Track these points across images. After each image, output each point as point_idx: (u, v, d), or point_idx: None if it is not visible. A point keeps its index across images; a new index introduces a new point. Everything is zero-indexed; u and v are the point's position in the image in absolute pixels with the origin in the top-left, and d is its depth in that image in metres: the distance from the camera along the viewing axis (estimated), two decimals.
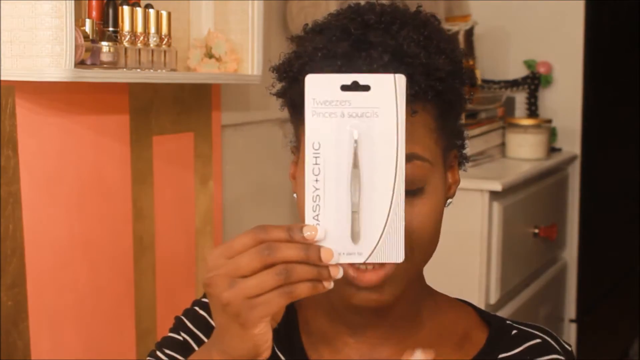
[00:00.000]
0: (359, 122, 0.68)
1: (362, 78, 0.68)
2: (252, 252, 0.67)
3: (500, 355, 0.86)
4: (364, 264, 0.76)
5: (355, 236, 0.69)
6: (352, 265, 0.78)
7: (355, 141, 0.68)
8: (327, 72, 0.75)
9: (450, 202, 0.87)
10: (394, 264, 0.76)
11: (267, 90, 0.86)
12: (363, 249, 0.69)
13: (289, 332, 0.90)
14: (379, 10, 0.80)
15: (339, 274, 0.69)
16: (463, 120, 0.91)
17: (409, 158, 0.76)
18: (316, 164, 0.69)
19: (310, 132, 0.69)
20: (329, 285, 0.69)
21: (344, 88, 0.68)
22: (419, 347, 0.85)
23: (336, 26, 0.80)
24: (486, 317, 0.91)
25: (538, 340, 0.87)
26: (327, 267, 0.68)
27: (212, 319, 0.91)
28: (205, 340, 0.91)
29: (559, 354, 0.87)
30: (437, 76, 0.77)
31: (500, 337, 0.88)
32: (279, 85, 0.84)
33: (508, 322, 0.90)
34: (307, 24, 0.84)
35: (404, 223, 0.69)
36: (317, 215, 0.69)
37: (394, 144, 0.68)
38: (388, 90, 0.68)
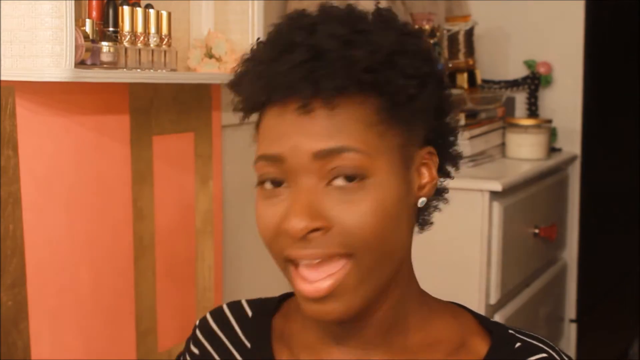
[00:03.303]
0: None
1: None
2: None
3: None
4: (315, 269, 0.77)
5: None
6: (300, 276, 0.77)
7: None
8: (249, 80, 0.79)
9: (424, 202, 0.83)
10: (342, 272, 0.76)
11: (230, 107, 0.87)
12: None
13: (261, 348, 0.90)
14: (319, 12, 0.81)
15: None
16: (454, 118, 0.87)
17: (339, 150, 0.75)
18: None
19: None
20: None
21: None
22: (406, 354, 0.83)
23: (271, 34, 0.82)
24: (486, 324, 0.87)
25: (543, 355, 0.83)
26: None
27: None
28: None
29: None
30: (359, 68, 0.75)
31: (502, 349, 0.84)
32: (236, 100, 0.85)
33: (510, 331, 0.86)
34: (258, 37, 0.86)
35: None
36: None
37: None
38: None
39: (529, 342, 0.85)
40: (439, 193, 0.87)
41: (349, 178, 0.76)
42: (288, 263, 0.79)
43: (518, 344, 0.84)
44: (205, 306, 1.74)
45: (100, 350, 1.49)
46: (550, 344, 0.86)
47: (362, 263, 0.76)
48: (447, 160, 0.87)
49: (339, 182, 0.76)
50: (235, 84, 0.83)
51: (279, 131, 0.78)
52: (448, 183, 0.89)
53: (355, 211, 0.75)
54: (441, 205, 0.88)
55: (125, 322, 1.55)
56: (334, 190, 0.76)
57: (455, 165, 0.89)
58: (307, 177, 0.76)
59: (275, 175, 0.78)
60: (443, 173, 0.88)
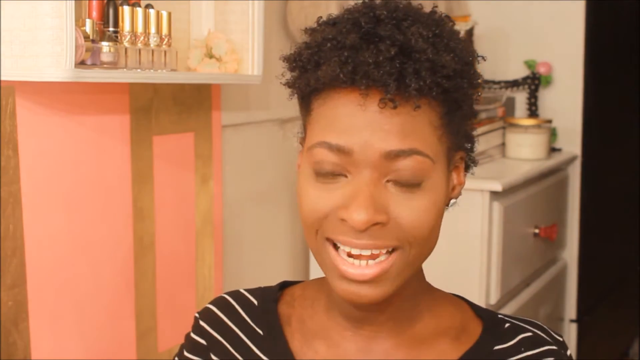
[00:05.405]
0: None
1: None
2: None
3: (496, 347, 0.87)
4: (359, 258, 0.78)
5: None
6: (342, 258, 0.79)
7: None
8: (334, 62, 0.77)
9: (454, 203, 0.87)
10: (389, 262, 0.79)
11: (277, 79, 0.87)
12: None
13: (274, 335, 0.91)
14: (392, 6, 0.81)
15: None
16: (474, 124, 0.91)
17: (409, 153, 0.77)
18: None
19: None
20: None
21: None
22: (415, 339, 0.87)
23: (347, 19, 0.81)
24: (479, 311, 0.93)
25: (530, 334, 0.89)
26: None
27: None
28: None
29: (550, 344, 0.88)
30: (443, 73, 0.77)
31: (494, 329, 0.89)
32: (289, 75, 0.85)
33: (500, 315, 0.92)
34: (320, 17, 0.85)
35: None
36: None
37: None
38: None
39: (517, 323, 0.91)
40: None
41: (410, 180, 0.78)
42: (328, 242, 0.81)
43: (507, 325, 0.90)
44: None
45: (100, 350, 1.49)
46: (538, 323, 0.91)
47: (408, 255, 0.80)
48: (467, 165, 0.90)
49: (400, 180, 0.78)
50: (305, 61, 0.81)
51: (349, 123, 0.78)
52: (470, 182, 0.93)
53: (412, 209, 0.78)
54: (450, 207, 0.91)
55: (125, 322, 1.55)
56: (393, 187, 0.78)
57: (470, 170, 0.92)
58: (371, 171, 0.78)
59: (334, 166, 0.79)
60: None
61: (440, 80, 0.77)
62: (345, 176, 0.79)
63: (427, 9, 0.85)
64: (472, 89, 0.82)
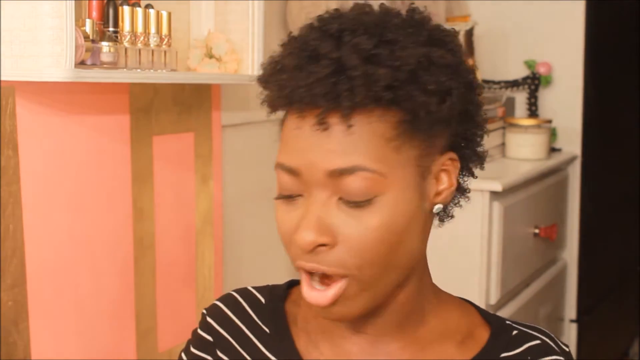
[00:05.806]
0: None
1: None
2: None
3: (502, 355, 0.87)
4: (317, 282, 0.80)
5: None
6: (308, 283, 0.80)
7: None
8: (274, 86, 0.80)
9: (440, 208, 0.84)
10: (342, 286, 0.79)
11: (257, 98, 0.88)
12: None
13: (281, 333, 0.91)
14: (349, 17, 0.80)
15: None
16: (482, 117, 0.86)
17: (352, 170, 0.76)
18: None
19: None
20: None
21: None
22: (420, 343, 0.87)
23: (299, 37, 0.82)
24: (487, 316, 0.92)
25: (537, 342, 0.88)
26: None
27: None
28: None
29: (557, 354, 0.88)
30: (380, 85, 0.75)
31: (501, 336, 0.89)
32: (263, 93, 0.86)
33: (508, 322, 0.91)
34: (291, 32, 0.86)
35: None
36: None
37: None
38: None
39: (525, 330, 0.90)
40: (462, 192, 0.89)
41: (359, 197, 0.77)
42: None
43: (515, 332, 0.89)
44: (205, 306, 1.74)
45: (100, 350, 1.49)
46: (546, 331, 0.91)
47: (362, 279, 0.79)
48: (471, 161, 0.88)
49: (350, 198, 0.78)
50: (264, 82, 0.84)
51: (296, 144, 0.80)
52: (470, 182, 0.90)
53: (362, 229, 0.77)
54: (462, 202, 0.90)
55: (125, 322, 1.55)
56: (344, 205, 0.78)
57: (480, 165, 0.90)
58: (321, 190, 0.79)
59: (290, 185, 0.81)
60: (468, 172, 0.89)
61: (380, 93, 0.75)
62: (302, 196, 0.81)
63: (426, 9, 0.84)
64: (427, 95, 0.77)
